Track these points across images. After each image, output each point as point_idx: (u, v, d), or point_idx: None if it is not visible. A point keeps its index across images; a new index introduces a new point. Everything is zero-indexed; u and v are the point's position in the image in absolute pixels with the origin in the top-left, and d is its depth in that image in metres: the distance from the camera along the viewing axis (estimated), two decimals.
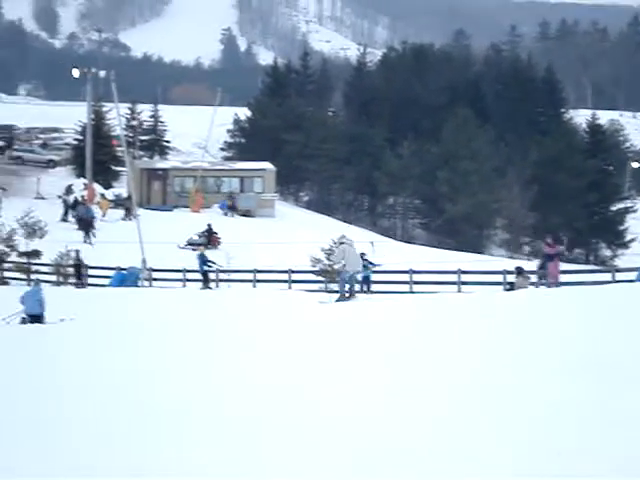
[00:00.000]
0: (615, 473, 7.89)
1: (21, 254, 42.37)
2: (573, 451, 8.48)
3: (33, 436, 10.63)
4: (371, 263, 34.61)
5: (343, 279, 24.41)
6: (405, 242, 71.33)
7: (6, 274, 41.00)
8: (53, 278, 39.11)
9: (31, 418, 11.45)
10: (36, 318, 23.50)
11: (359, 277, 24.42)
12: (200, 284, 36.32)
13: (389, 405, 10.86)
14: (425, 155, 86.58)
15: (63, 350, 18.36)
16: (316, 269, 37.09)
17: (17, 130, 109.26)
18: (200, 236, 50.84)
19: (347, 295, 24.35)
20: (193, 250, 46.65)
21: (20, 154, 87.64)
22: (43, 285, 26.29)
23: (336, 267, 25.08)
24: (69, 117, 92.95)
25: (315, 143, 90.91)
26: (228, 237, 47.90)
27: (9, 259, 41.30)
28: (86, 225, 52.52)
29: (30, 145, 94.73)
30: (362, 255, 34.77)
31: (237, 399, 11.54)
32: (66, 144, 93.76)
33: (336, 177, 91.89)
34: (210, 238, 51.57)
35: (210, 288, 35.26)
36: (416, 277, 34.51)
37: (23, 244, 43.53)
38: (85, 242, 49.14)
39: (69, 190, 69.59)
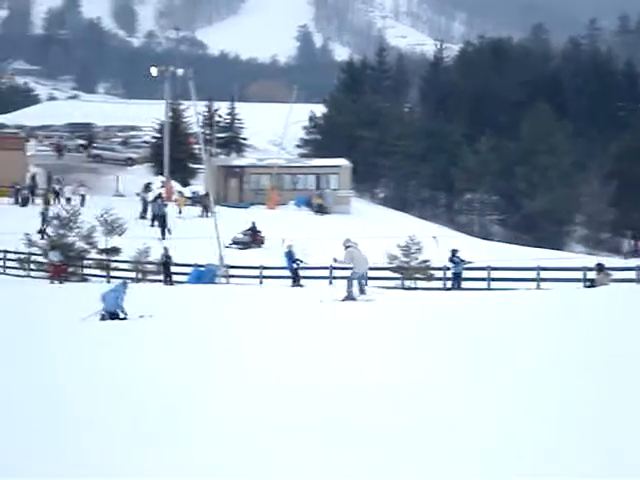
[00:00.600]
0: None
1: (101, 251, 42.87)
2: None
3: (119, 431, 10.67)
4: (462, 260, 34.27)
5: (351, 280, 24.80)
6: (482, 238, 70.67)
7: (86, 271, 41.51)
8: (132, 275, 39.48)
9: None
10: (114, 315, 23.73)
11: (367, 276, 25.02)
12: (286, 282, 36.03)
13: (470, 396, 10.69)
14: (503, 151, 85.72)
15: (134, 346, 18.50)
16: (392, 266, 36.93)
17: (96, 128, 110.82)
18: (245, 234, 50.53)
19: (354, 295, 24.93)
20: (239, 249, 46.66)
21: (99, 152, 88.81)
22: (122, 282, 26.42)
23: (348, 267, 25.16)
24: (147, 115, 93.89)
25: (391, 139, 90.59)
26: (303, 233, 47.82)
27: (89, 256, 41.82)
28: (160, 222, 53.03)
29: (109, 143, 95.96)
30: (454, 252, 34.49)
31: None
32: (144, 142, 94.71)
33: (412, 173, 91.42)
34: (254, 236, 51.27)
35: (301, 285, 35.03)
36: (494, 274, 34.15)
37: (103, 241, 44.05)
38: (161, 239, 49.55)
39: (147, 188, 70.29)
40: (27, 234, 42.10)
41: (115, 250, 43.29)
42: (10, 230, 46.90)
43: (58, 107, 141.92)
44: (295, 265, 35.64)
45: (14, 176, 67.85)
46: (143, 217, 59.04)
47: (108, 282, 37.19)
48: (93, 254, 42.09)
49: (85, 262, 41.81)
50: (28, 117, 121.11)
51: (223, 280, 38.65)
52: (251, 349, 16.47)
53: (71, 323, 22.84)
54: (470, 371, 12.95)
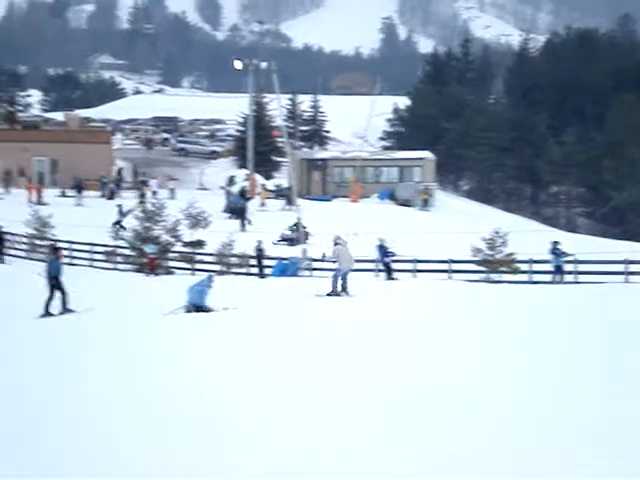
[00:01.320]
0: None
1: (185, 244, 43.20)
2: None
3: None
4: (564, 253, 33.75)
5: (336, 276, 26.06)
6: (569, 231, 69.63)
7: (171, 264, 41.86)
8: (217, 268, 39.70)
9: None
10: (198, 308, 23.85)
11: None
12: (383, 275, 35.82)
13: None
14: (589, 142, 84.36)
15: (215, 338, 18.58)
16: (477, 259, 36.52)
17: (181, 122, 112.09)
18: (292, 230, 50.14)
19: (339, 291, 26.08)
20: (289, 246, 46.36)
21: (184, 146, 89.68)
22: (207, 276, 26.56)
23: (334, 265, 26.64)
24: (231, 109, 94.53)
25: (475, 131, 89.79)
26: (388, 227, 47.56)
27: (174, 249, 42.18)
28: (239, 214, 53.35)
29: (194, 137, 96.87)
30: (555, 244, 33.96)
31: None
32: (228, 135, 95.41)
33: (497, 166, 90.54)
34: (301, 232, 50.67)
35: (395, 279, 34.80)
36: (581, 267, 33.58)
37: (187, 234, 44.40)
38: (241, 231, 49.85)
39: (231, 181, 70.77)
40: (115, 226, 42.60)
41: (200, 243, 43.59)
42: (97, 223, 47.69)
43: (144, 101, 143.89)
44: (387, 258, 35.31)
45: (101, 170, 68.86)
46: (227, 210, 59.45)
47: (193, 275, 37.43)
48: (178, 247, 42.42)
49: (170, 255, 42.16)
50: (114, 111, 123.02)
51: (306, 273, 38.63)
52: (333, 342, 16.39)
53: (157, 316, 23.03)
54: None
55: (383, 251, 35.39)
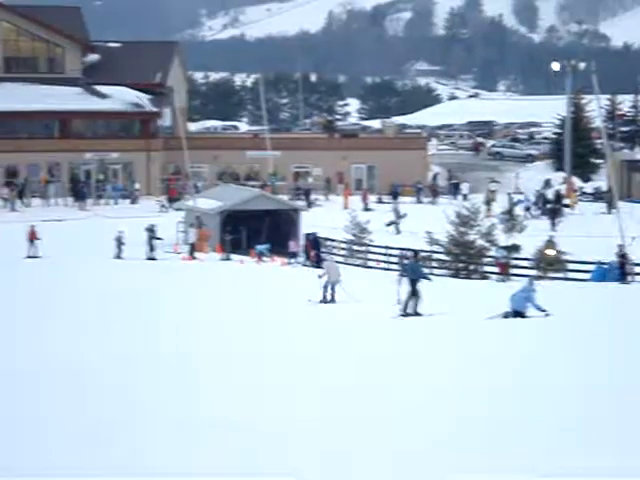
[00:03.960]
0: None
1: (501, 249, 42.70)
2: None
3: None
4: None
5: (325, 287, 30.27)
6: None
7: (486, 269, 41.51)
8: (533, 272, 38.95)
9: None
10: (519, 314, 23.57)
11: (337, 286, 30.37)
12: None
13: None
14: None
15: (533, 344, 18.15)
16: None
17: (496, 126, 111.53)
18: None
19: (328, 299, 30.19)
20: None
21: (499, 149, 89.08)
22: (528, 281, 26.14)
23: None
24: (547, 111, 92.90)
25: None
26: None
27: (489, 254, 41.80)
28: (552, 215, 52.84)
29: (509, 140, 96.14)
30: None
31: None
32: (544, 138, 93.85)
33: None
34: None
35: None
36: None
37: (503, 239, 43.94)
38: (552, 231, 49.32)
39: (547, 184, 69.60)
40: (428, 232, 42.78)
41: (515, 248, 42.93)
42: (411, 229, 48.32)
43: (459, 106, 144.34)
44: None
45: (416, 175, 69.70)
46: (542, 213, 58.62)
47: (502, 281, 36.98)
48: (493, 252, 42.01)
49: (485, 260, 41.82)
50: (429, 117, 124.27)
51: (629, 278, 37.09)
52: None
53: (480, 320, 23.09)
54: None
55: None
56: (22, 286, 32.97)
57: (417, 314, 26.02)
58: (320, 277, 30.88)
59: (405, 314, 26.03)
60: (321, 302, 30.03)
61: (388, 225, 49.97)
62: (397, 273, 28.75)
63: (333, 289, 30.41)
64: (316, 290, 30.02)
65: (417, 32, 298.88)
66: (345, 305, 29.10)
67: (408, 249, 41.93)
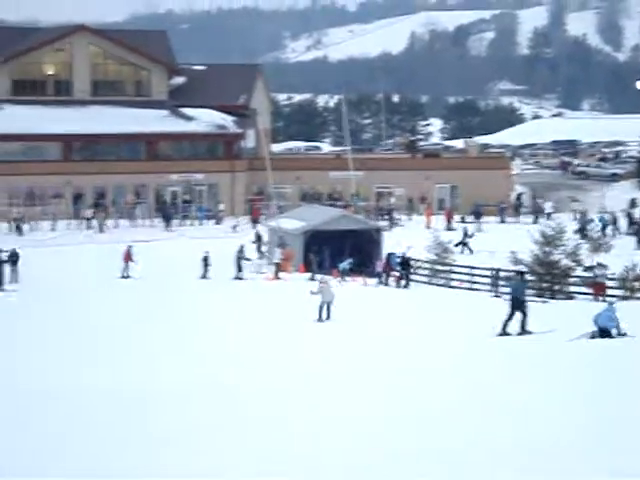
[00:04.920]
0: None
1: (586, 268, 42.22)
2: None
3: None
4: None
5: (320, 307, 32.29)
6: None
7: (572, 289, 41.06)
8: (619, 293, 38.42)
9: None
10: (604, 333, 23.39)
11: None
12: None
13: None
14: None
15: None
16: None
17: (580, 145, 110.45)
18: None
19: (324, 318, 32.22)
20: None
21: (584, 169, 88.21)
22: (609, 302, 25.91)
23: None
24: (633, 130, 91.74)
25: None
26: None
27: (574, 274, 41.35)
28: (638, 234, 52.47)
29: (597, 159, 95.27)
30: None
31: None
32: (630, 157, 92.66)
33: None
34: None
35: None
36: None
37: (588, 258, 43.45)
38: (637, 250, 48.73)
39: (633, 204, 68.66)
40: (512, 252, 42.50)
41: (602, 267, 42.37)
42: (495, 248, 48.06)
43: (542, 125, 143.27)
44: None
45: (499, 195, 69.25)
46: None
47: (595, 301, 36.56)
48: (578, 271, 41.54)
49: (570, 279, 41.38)
50: (512, 136, 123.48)
51: None
52: None
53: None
54: None
55: None
56: (120, 305, 34.37)
57: (526, 332, 25.90)
58: (312, 294, 33.21)
59: (504, 333, 25.95)
60: (317, 321, 32.05)
61: (456, 245, 49.84)
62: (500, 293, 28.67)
63: (328, 309, 32.45)
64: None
65: (500, 51, 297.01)
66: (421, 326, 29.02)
67: (493, 269, 41.86)
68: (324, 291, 32.88)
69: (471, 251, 51.75)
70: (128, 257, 44.46)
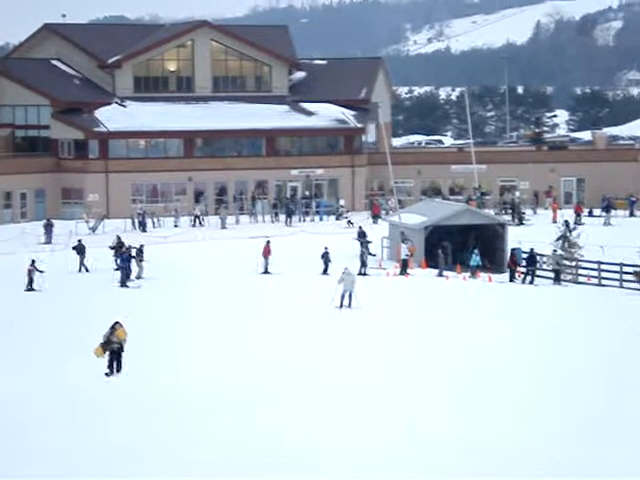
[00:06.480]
0: None
1: None
2: None
3: None
4: None
5: (342, 295, 34.89)
6: None
7: None
8: None
9: None
10: None
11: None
12: None
13: None
14: None
15: None
16: None
17: None
18: None
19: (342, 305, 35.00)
20: None
21: None
22: None
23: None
24: None
25: None
26: None
27: None
28: None
29: None
30: None
31: None
32: None
33: None
34: None
35: None
36: None
37: None
38: None
39: None
40: None
41: None
42: (626, 242, 46.42)
43: None
44: None
45: (628, 188, 67.15)
46: None
47: None
48: None
49: None
50: None
51: None
52: None
53: None
54: None
55: None
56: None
57: None
58: (339, 283, 35.18)
59: None
60: (337, 308, 34.61)
61: (557, 240, 47.68)
62: None
63: (350, 297, 34.81)
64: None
65: (628, 41, 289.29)
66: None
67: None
68: (345, 279, 34.97)
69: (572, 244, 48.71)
70: (268, 251, 44.42)
